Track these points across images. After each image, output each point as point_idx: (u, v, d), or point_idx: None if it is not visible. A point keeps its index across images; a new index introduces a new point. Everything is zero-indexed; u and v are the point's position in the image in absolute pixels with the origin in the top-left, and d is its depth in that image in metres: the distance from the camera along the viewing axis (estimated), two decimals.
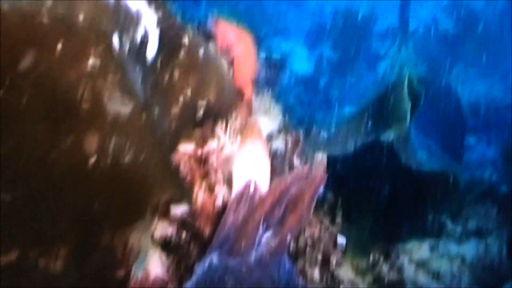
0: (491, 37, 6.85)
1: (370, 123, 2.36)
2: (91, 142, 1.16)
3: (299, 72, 6.23)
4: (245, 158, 2.08)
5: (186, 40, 1.80)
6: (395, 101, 2.20)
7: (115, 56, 1.19)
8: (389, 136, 2.22)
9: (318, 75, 6.16)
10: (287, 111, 3.03)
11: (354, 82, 5.72)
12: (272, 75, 3.01)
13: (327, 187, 2.50)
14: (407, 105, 2.14)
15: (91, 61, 1.12)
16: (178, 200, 1.52)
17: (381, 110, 2.33)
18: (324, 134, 2.48)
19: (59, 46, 1.09)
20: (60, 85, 1.11)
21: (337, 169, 2.61)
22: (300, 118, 5.08)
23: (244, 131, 2.21)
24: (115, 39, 1.21)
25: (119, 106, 1.18)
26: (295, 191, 1.73)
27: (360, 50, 6.66)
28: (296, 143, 2.45)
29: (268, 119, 2.80)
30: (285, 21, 8.04)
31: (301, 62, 6.99)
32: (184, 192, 1.56)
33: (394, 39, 6.50)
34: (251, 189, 1.74)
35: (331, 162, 2.64)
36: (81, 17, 1.12)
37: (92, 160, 1.17)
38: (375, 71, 6.19)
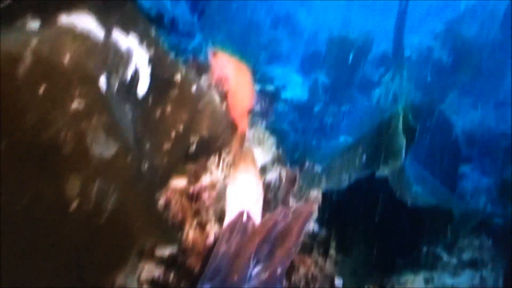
0: (484, 65, 6.89)
1: (364, 157, 2.33)
2: (73, 186, 1.12)
3: (294, 99, 6.23)
4: (239, 184, 2.08)
5: (178, 77, 1.78)
6: (389, 136, 2.17)
7: (101, 97, 1.16)
8: (383, 171, 2.19)
9: (312, 101, 6.16)
10: (281, 142, 3.02)
11: (348, 110, 5.72)
12: (266, 106, 2.99)
13: (321, 220, 2.46)
14: (402, 141, 2.11)
15: (75, 103, 1.09)
16: (165, 244, 1.48)
17: (376, 144, 2.30)
18: (318, 168, 2.44)
19: (42, 87, 1.06)
20: (42, 127, 1.07)
21: (331, 202, 2.57)
22: (294, 144, 5.07)
23: (237, 157, 2.19)
24: (102, 80, 1.18)
25: (103, 149, 1.14)
26: (284, 225, 1.71)
27: (355, 77, 6.69)
28: (292, 181, 2.42)
29: (262, 150, 2.78)
30: (280, 48, 8.10)
31: (295, 89, 7.01)
32: (171, 236, 1.51)
33: (388, 67, 6.53)
34: (244, 218, 1.72)
35: (325, 195, 2.61)
36: (66, 58, 1.09)
37: (74, 204, 1.13)
38: (369, 98, 6.20)
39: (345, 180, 2.35)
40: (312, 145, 5.12)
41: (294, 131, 5.69)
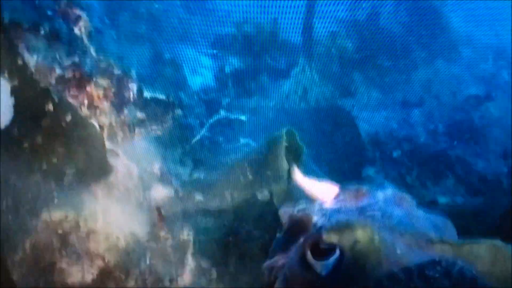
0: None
1: (250, 176, 2.14)
2: None
3: (201, 94, 5.89)
4: None
5: (50, 106, 1.69)
6: (273, 158, 2.01)
7: None
8: (265, 194, 2.04)
9: (220, 90, 5.89)
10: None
11: (255, 106, 5.48)
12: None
13: None
14: (285, 165, 1.98)
15: None
16: None
17: (261, 163, 2.12)
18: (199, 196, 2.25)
19: None
20: None
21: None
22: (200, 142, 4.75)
23: None
24: None
25: None
26: None
27: (263, 65, 6.47)
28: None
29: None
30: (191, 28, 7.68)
31: (205, 79, 6.67)
32: None
33: (296, 57, 6.33)
34: None
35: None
36: None
37: None
38: (279, 91, 6.00)
39: (228, 199, 2.15)
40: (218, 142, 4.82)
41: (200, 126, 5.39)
